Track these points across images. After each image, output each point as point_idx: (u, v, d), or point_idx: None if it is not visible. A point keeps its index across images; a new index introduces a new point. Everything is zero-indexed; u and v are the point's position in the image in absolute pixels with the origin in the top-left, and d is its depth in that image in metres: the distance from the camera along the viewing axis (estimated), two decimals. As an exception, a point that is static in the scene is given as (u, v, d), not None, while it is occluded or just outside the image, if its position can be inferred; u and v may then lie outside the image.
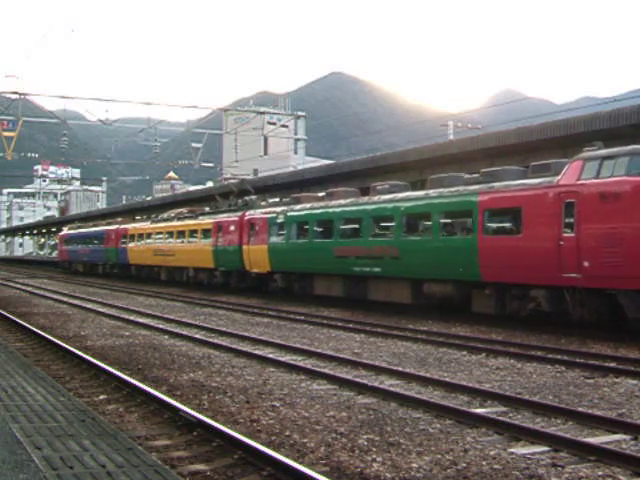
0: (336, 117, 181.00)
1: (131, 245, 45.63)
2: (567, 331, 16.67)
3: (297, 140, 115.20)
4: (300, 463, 6.50)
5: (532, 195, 17.19)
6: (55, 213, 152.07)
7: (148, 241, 42.72)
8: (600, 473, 6.58)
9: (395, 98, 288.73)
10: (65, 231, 66.52)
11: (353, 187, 27.91)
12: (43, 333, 16.36)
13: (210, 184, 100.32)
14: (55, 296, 31.19)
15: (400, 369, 11.98)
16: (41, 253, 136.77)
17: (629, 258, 14.90)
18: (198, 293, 32.89)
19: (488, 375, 11.77)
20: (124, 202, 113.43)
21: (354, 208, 23.85)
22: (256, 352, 14.01)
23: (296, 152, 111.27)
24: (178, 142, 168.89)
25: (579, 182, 16.07)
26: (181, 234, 37.85)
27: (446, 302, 20.36)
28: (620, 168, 15.39)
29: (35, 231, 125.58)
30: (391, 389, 10.27)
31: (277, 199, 31.92)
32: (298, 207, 27.23)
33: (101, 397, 10.01)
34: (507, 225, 18.77)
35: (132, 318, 21.04)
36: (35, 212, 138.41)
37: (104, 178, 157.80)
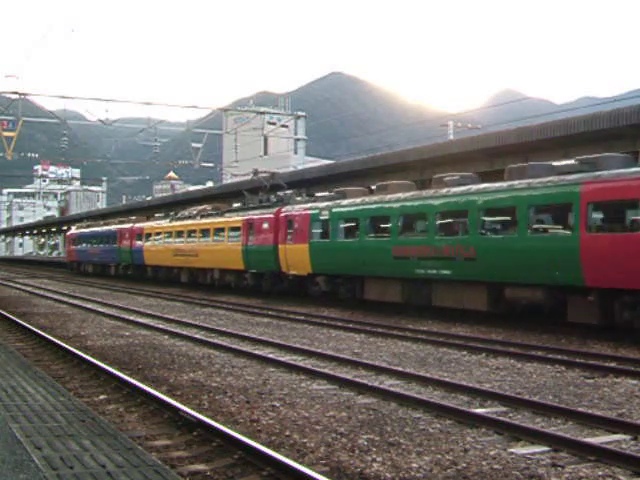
0: (336, 117, 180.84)
1: (147, 245, 42.76)
2: (567, 331, 16.67)
3: (297, 140, 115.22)
4: (300, 463, 6.50)
5: None
6: (55, 213, 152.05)
7: (167, 240, 39.82)
8: (600, 473, 6.58)
9: (395, 98, 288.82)
10: (73, 230, 62.98)
11: (352, 187, 27.81)
12: (43, 333, 16.36)
13: (210, 184, 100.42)
14: (55, 296, 31.19)
15: (400, 369, 11.98)
16: (41, 253, 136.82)
17: None
18: (198, 293, 32.89)
19: (488, 375, 11.77)
20: (124, 202, 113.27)
21: (417, 203, 21.12)
22: (256, 352, 14.01)
23: (296, 152, 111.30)
24: (178, 142, 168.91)
25: None
26: (205, 233, 35.00)
27: (533, 310, 18.16)
28: None
29: (35, 231, 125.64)
30: (391, 389, 10.26)
31: (325, 193, 27.93)
32: (346, 202, 24.44)
33: (101, 397, 10.01)
34: (619, 220, 16.12)
35: (132, 318, 21.04)
36: (35, 212, 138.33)
37: (104, 178, 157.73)
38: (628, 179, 15.30)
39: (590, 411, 8.88)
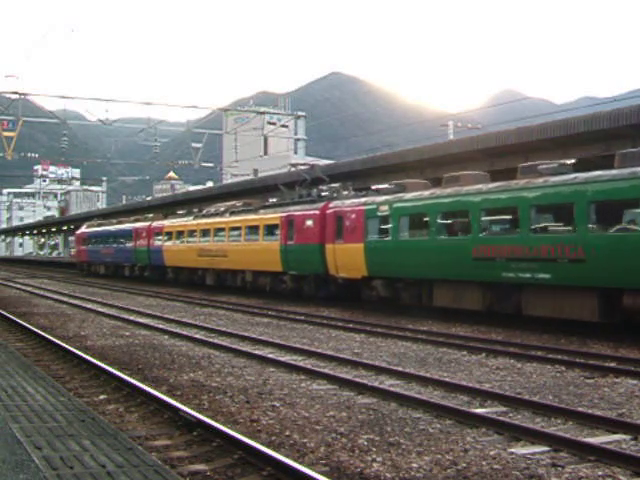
0: (336, 117, 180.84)
1: (168, 244, 39.78)
2: (567, 331, 16.67)
3: (297, 140, 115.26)
4: (300, 463, 6.50)
5: None
6: (55, 213, 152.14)
7: (190, 239, 36.88)
8: (600, 473, 6.58)
9: (395, 98, 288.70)
10: (83, 229, 59.05)
11: (353, 187, 27.77)
12: (43, 333, 16.36)
13: (210, 184, 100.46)
14: (55, 296, 31.19)
15: (400, 369, 11.98)
16: (41, 253, 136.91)
17: None
18: (198, 293, 32.88)
19: (488, 375, 11.77)
20: (124, 202, 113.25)
21: (505, 195, 18.37)
22: (256, 352, 14.01)
23: (296, 152, 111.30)
24: (178, 142, 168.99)
25: None
26: (236, 231, 32.12)
27: None
28: None
29: (35, 231, 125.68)
30: (391, 389, 10.27)
31: (384, 186, 24.36)
32: (410, 196, 21.65)
33: (101, 397, 10.01)
34: None
35: (132, 318, 21.04)
36: (35, 212, 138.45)
37: (104, 178, 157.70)
38: None
39: (590, 411, 8.89)
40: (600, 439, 7.66)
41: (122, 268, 48.42)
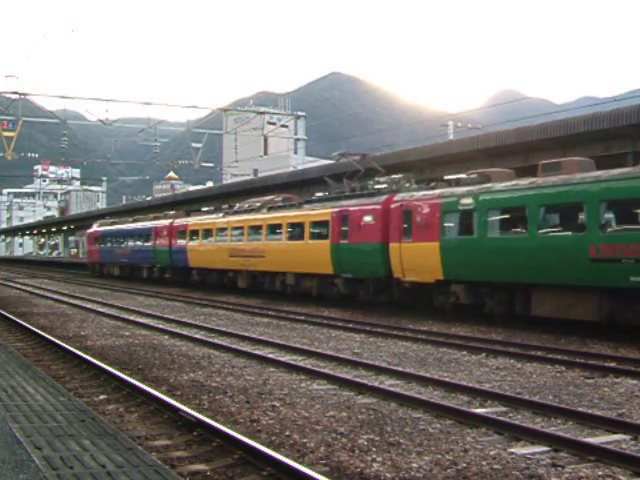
0: (336, 117, 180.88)
1: (193, 244, 36.67)
2: (567, 331, 16.67)
3: (297, 140, 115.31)
4: (300, 463, 6.51)
5: None
6: (55, 213, 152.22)
7: (220, 238, 33.63)
8: (600, 473, 6.58)
9: (395, 98, 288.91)
10: (96, 227, 55.58)
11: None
12: (43, 333, 16.36)
13: (210, 184, 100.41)
14: (55, 296, 31.20)
15: (400, 369, 11.98)
16: (41, 253, 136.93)
17: None
18: (198, 293, 32.89)
19: (488, 375, 11.77)
20: (124, 202, 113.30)
21: (634, 184, 15.49)
22: (256, 352, 14.01)
23: (296, 152, 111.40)
24: (178, 142, 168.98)
25: None
26: (275, 229, 28.99)
27: None
28: None
29: (35, 231, 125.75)
30: (391, 389, 10.27)
31: (463, 175, 21.51)
32: (502, 186, 18.75)
33: (101, 397, 10.01)
34: None
35: (132, 318, 21.04)
36: (35, 212, 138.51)
37: (104, 178, 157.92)
38: None
39: (590, 411, 8.89)
40: (600, 439, 7.66)
41: (139, 269, 45.34)
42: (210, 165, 55.38)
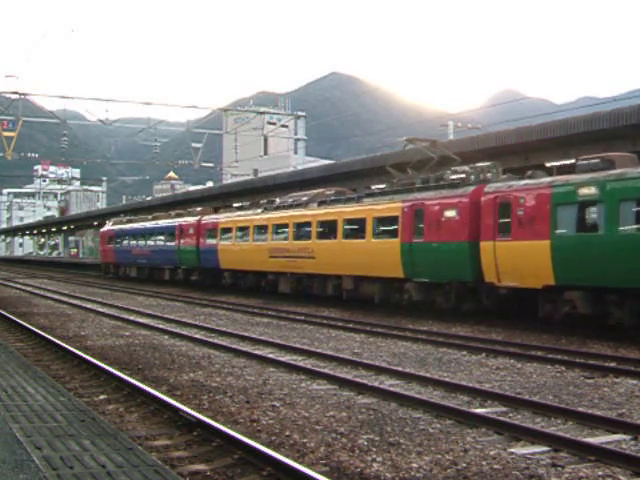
0: (336, 117, 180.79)
1: (225, 243, 33.27)
2: (567, 331, 16.67)
3: (297, 140, 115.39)
4: (300, 463, 6.50)
5: None
6: (55, 213, 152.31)
7: (258, 237, 30.32)
8: (600, 473, 6.58)
9: (394, 98, 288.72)
10: (110, 226, 52.09)
11: (353, 187, 27.68)
12: (43, 333, 16.36)
13: (210, 184, 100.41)
14: (55, 296, 31.20)
15: (400, 369, 11.98)
16: (41, 253, 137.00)
17: None
18: (198, 293, 32.88)
19: (488, 375, 11.77)
20: (124, 202, 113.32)
21: None
22: (256, 352, 14.01)
23: (296, 152, 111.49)
24: (178, 142, 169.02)
25: None
26: (327, 226, 25.74)
27: None
28: None
29: (35, 231, 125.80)
30: (391, 389, 10.27)
31: (581, 161, 17.83)
32: (637, 172, 15.57)
33: (101, 397, 10.01)
34: None
35: (132, 318, 21.04)
36: (35, 212, 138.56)
37: (104, 178, 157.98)
38: None
39: (590, 411, 8.89)
40: (600, 439, 7.67)
41: (160, 271, 41.86)
42: (210, 165, 55.40)
